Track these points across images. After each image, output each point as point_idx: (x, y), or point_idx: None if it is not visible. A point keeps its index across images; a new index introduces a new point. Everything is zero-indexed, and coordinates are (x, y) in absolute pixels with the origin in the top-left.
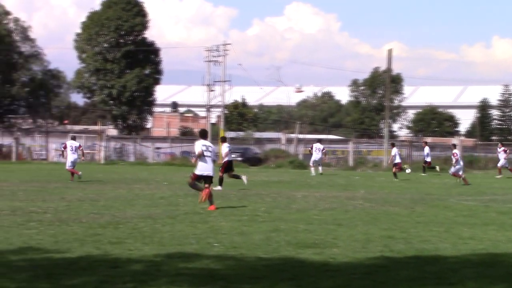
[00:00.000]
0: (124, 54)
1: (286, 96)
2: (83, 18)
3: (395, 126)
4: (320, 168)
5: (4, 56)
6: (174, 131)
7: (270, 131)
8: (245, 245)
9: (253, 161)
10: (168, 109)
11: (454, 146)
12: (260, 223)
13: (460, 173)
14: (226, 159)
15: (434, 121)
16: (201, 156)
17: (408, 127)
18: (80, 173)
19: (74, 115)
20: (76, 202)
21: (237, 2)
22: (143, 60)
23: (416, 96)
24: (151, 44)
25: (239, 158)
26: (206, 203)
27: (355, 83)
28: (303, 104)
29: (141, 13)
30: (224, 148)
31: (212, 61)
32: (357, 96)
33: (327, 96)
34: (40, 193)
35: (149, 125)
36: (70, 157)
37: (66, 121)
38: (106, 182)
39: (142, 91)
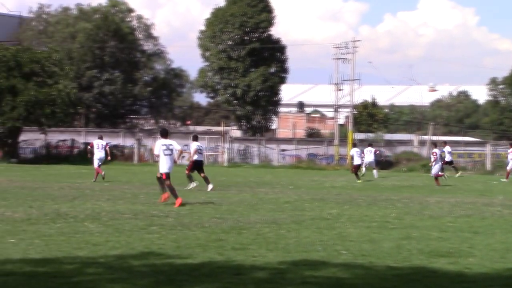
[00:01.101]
0: (249, 52)
1: (419, 96)
2: (207, 14)
3: None
4: (374, 171)
5: (127, 54)
6: (300, 133)
7: (402, 132)
8: (374, 253)
9: (383, 164)
10: (294, 109)
11: (435, 145)
12: (391, 230)
13: (440, 172)
14: (194, 157)
15: None
16: (160, 156)
17: None
18: (103, 173)
19: (197, 116)
20: (199, 206)
21: None
22: (269, 58)
23: None
24: (277, 41)
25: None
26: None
27: (493, 82)
28: (437, 104)
29: (267, 9)
30: (193, 146)
31: (341, 58)
32: (496, 95)
33: (463, 95)
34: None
35: (274, 126)
36: (97, 155)
37: (188, 122)
38: (229, 185)
39: (267, 91)
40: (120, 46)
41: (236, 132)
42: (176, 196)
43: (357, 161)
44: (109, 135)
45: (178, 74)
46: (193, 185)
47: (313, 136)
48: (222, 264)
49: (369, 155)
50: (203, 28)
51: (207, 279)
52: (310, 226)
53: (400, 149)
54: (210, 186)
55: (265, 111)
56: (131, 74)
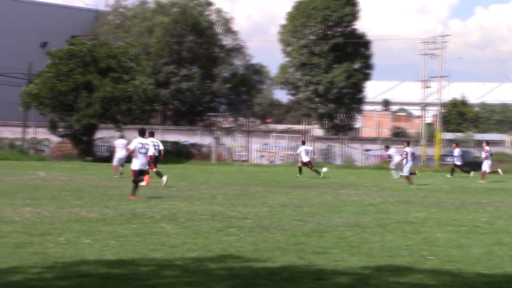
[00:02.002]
0: (332, 47)
1: None
2: (288, 8)
3: None
4: (395, 172)
5: (205, 49)
6: (386, 132)
7: (493, 132)
8: (463, 259)
9: (473, 165)
10: (378, 108)
11: (408, 143)
12: (481, 235)
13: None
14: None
15: None
16: (135, 153)
17: None
18: (121, 169)
19: (277, 114)
20: (279, 207)
21: None
22: (353, 53)
23: None
24: (362, 36)
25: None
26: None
27: None
28: None
29: (351, 2)
30: (161, 145)
31: (429, 54)
32: None
33: None
34: (240, 197)
35: (357, 125)
36: (118, 154)
37: (268, 120)
38: (311, 186)
39: (350, 88)
40: (198, 40)
41: (318, 131)
42: (133, 193)
43: (305, 159)
44: (186, 133)
45: (258, 70)
46: (164, 179)
47: (399, 136)
48: (303, 269)
49: (396, 156)
50: (284, 22)
51: (287, 284)
52: (395, 230)
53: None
54: (165, 178)
55: (348, 109)
56: (210, 70)
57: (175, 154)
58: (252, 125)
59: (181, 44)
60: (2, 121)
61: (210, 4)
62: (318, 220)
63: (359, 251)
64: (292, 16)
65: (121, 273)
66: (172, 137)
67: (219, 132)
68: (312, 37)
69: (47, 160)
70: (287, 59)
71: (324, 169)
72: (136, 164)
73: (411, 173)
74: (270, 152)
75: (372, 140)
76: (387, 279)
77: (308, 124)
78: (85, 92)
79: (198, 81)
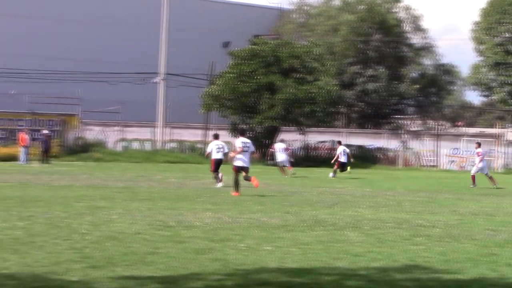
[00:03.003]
0: None
1: None
2: (482, 4)
3: None
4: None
5: (392, 49)
6: None
7: None
8: None
9: None
10: None
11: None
12: None
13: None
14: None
15: None
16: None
17: None
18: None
19: (469, 116)
20: (469, 216)
21: None
22: None
23: None
24: None
25: None
26: None
27: None
28: None
29: None
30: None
31: None
32: None
33: None
34: (428, 204)
35: None
36: (279, 157)
37: (459, 123)
38: (505, 194)
39: None
40: (385, 39)
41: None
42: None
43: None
44: (371, 136)
45: (448, 70)
46: (219, 184)
47: None
48: (495, 282)
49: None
50: (478, 19)
51: None
52: None
53: None
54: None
55: None
56: (397, 70)
57: (360, 158)
58: (442, 128)
59: (367, 43)
60: (183, 123)
61: (398, 1)
62: None
63: None
64: (486, 13)
65: (302, 282)
66: (357, 141)
67: (406, 136)
68: (507, 35)
69: (228, 163)
70: (480, 58)
71: None
72: (239, 162)
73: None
74: (461, 157)
75: None
76: None
77: (502, 127)
78: (267, 94)
79: (384, 81)
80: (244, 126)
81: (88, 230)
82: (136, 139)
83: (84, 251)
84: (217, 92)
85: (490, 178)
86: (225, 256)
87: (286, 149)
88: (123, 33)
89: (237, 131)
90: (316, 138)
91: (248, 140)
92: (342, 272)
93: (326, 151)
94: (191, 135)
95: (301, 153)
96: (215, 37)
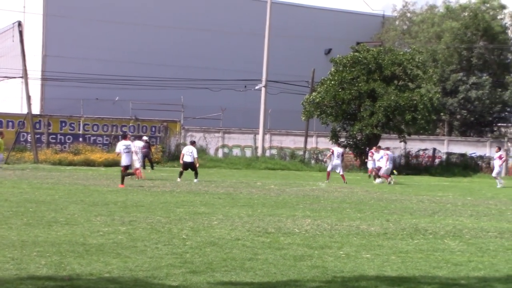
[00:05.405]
0: None
1: None
2: None
3: None
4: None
5: (497, 56)
6: None
7: None
8: None
9: None
10: None
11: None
12: None
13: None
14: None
15: None
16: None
17: None
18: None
19: None
20: None
21: None
22: None
23: None
24: None
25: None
26: None
27: None
28: None
29: None
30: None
31: None
32: None
33: None
34: None
35: None
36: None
37: None
38: None
39: None
40: (489, 46)
41: None
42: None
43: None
44: (474, 144)
45: None
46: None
47: None
48: None
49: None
50: None
51: None
52: None
53: None
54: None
55: None
56: (501, 77)
57: (461, 166)
58: None
59: (470, 50)
60: (284, 130)
61: (503, 7)
62: None
63: None
64: None
65: None
66: (459, 149)
67: (509, 144)
68: None
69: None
70: None
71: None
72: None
73: None
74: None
75: None
76: None
77: None
78: (368, 101)
79: (488, 89)
80: (345, 134)
81: (188, 236)
82: (237, 146)
83: (184, 256)
84: (318, 99)
85: None
86: (323, 263)
87: (343, 155)
88: (225, 40)
89: (335, 138)
90: (417, 145)
91: (129, 143)
92: (442, 281)
93: (427, 159)
94: (291, 142)
95: (401, 161)
96: (316, 44)
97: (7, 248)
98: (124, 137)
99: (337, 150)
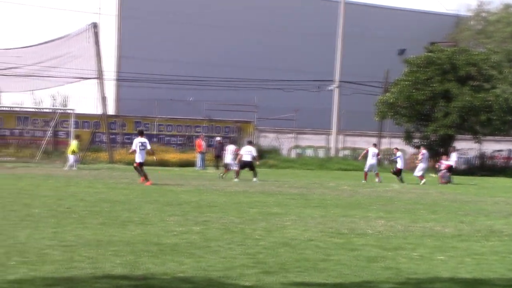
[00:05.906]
0: None
1: None
2: None
3: None
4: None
5: None
6: None
7: None
8: None
9: None
10: None
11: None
12: None
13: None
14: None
15: None
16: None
17: None
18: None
19: None
20: None
21: None
22: None
23: None
24: None
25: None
26: None
27: None
28: None
29: None
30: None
31: None
32: None
33: None
34: None
35: None
36: (369, 161)
37: None
38: None
39: None
40: None
41: None
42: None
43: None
44: None
45: None
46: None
47: None
48: None
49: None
50: None
51: None
52: None
53: None
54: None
55: None
56: None
57: None
58: None
59: None
60: (358, 131)
61: None
62: None
63: None
64: None
65: None
66: None
67: None
68: None
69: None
70: None
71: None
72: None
73: None
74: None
75: None
76: None
77: None
78: (442, 101)
79: None
80: (418, 134)
81: (261, 236)
82: (310, 146)
83: (257, 257)
84: (391, 100)
85: None
86: (397, 264)
87: (377, 155)
88: (298, 41)
89: (408, 139)
90: (492, 147)
91: (145, 140)
92: None
93: (502, 160)
94: (364, 143)
95: (476, 162)
96: (390, 44)
97: (83, 247)
98: (141, 133)
99: (372, 150)
